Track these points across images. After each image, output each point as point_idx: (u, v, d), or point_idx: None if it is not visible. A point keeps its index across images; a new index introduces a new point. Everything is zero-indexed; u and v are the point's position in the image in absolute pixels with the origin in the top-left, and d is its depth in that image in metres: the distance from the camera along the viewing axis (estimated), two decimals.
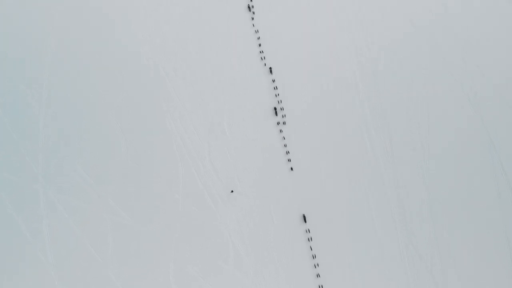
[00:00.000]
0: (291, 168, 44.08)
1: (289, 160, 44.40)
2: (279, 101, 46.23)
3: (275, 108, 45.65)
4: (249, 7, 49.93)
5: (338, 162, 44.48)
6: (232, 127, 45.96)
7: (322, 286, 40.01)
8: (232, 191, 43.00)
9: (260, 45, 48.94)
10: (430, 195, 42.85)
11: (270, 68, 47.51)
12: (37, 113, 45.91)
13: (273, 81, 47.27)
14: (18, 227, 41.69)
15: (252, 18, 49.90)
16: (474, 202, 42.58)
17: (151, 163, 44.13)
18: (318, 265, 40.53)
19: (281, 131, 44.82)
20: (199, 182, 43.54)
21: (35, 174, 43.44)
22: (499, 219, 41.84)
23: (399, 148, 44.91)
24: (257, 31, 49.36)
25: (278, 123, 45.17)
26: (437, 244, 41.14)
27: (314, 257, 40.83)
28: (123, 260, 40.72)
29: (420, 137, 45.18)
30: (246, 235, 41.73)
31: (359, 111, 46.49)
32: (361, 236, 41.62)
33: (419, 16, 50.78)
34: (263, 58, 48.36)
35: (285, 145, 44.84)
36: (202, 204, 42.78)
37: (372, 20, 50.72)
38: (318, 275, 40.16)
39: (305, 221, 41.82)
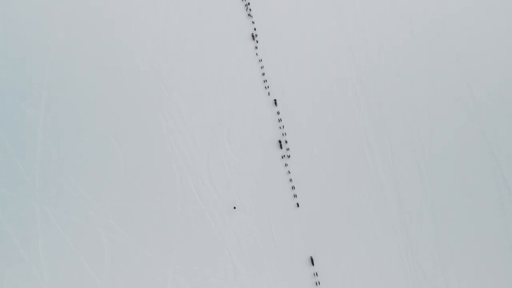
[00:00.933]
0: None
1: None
2: (284, 134, 45.41)
3: (279, 141, 45.02)
4: (252, 36, 49.65)
5: (337, 164, 44.40)
6: (232, 138, 45.58)
7: None
8: (234, 207, 42.46)
9: (263, 74, 48.16)
10: (430, 197, 42.79)
11: (275, 100, 46.60)
12: (35, 122, 45.48)
13: (278, 113, 46.37)
14: (13, 243, 40.96)
15: (256, 47, 49.55)
16: (474, 204, 42.42)
17: (149, 178, 43.43)
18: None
19: (286, 165, 44.13)
20: (198, 198, 42.91)
21: (32, 189, 42.79)
22: (500, 221, 41.69)
23: (399, 149, 44.90)
24: (261, 60, 48.76)
25: (283, 157, 44.41)
26: (438, 248, 41.10)
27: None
28: (119, 277, 40.00)
29: (419, 137, 45.13)
30: (246, 252, 41.17)
31: (359, 115, 46.39)
32: (361, 241, 41.39)
33: (418, 16, 50.72)
34: (267, 87, 47.61)
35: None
36: (201, 220, 42.16)
37: (372, 21, 50.71)
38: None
39: (313, 263, 40.75)
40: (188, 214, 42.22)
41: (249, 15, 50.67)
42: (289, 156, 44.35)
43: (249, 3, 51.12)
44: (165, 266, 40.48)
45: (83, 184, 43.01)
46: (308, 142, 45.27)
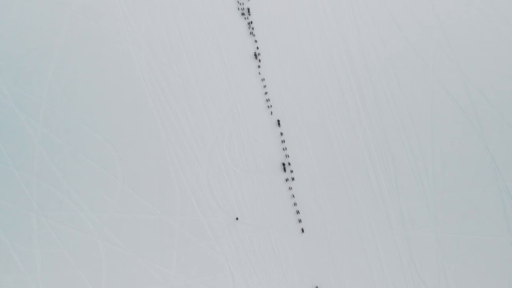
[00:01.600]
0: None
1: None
2: (287, 155, 45.28)
3: (283, 164, 44.80)
4: (255, 55, 50.17)
5: (338, 175, 44.54)
6: (232, 148, 45.66)
7: None
8: (237, 218, 42.30)
9: (266, 93, 48.56)
10: (433, 213, 42.24)
11: (278, 120, 46.88)
12: (34, 132, 45.63)
13: (281, 134, 46.39)
14: (9, 254, 40.61)
15: (259, 66, 49.95)
16: (476, 208, 42.30)
17: (148, 189, 43.34)
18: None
19: (290, 188, 44.05)
20: (198, 209, 42.84)
21: (30, 200, 42.64)
22: (502, 223, 41.55)
23: (400, 161, 44.73)
24: (263, 79, 49.24)
25: (286, 180, 44.15)
26: (441, 262, 40.52)
27: None
28: None
29: (420, 147, 44.90)
30: (245, 264, 40.92)
31: (359, 127, 46.64)
32: (363, 252, 41.28)
33: (418, 24, 51.30)
34: (269, 106, 47.90)
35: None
36: (200, 232, 42.04)
37: (372, 33, 50.86)
38: None
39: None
40: (187, 226, 42.02)
41: (251, 33, 51.09)
42: (293, 179, 44.12)
43: (251, 22, 51.62)
44: (164, 279, 40.02)
45: (81, 195, 42.82)
46: (310, 156, 45.33)
